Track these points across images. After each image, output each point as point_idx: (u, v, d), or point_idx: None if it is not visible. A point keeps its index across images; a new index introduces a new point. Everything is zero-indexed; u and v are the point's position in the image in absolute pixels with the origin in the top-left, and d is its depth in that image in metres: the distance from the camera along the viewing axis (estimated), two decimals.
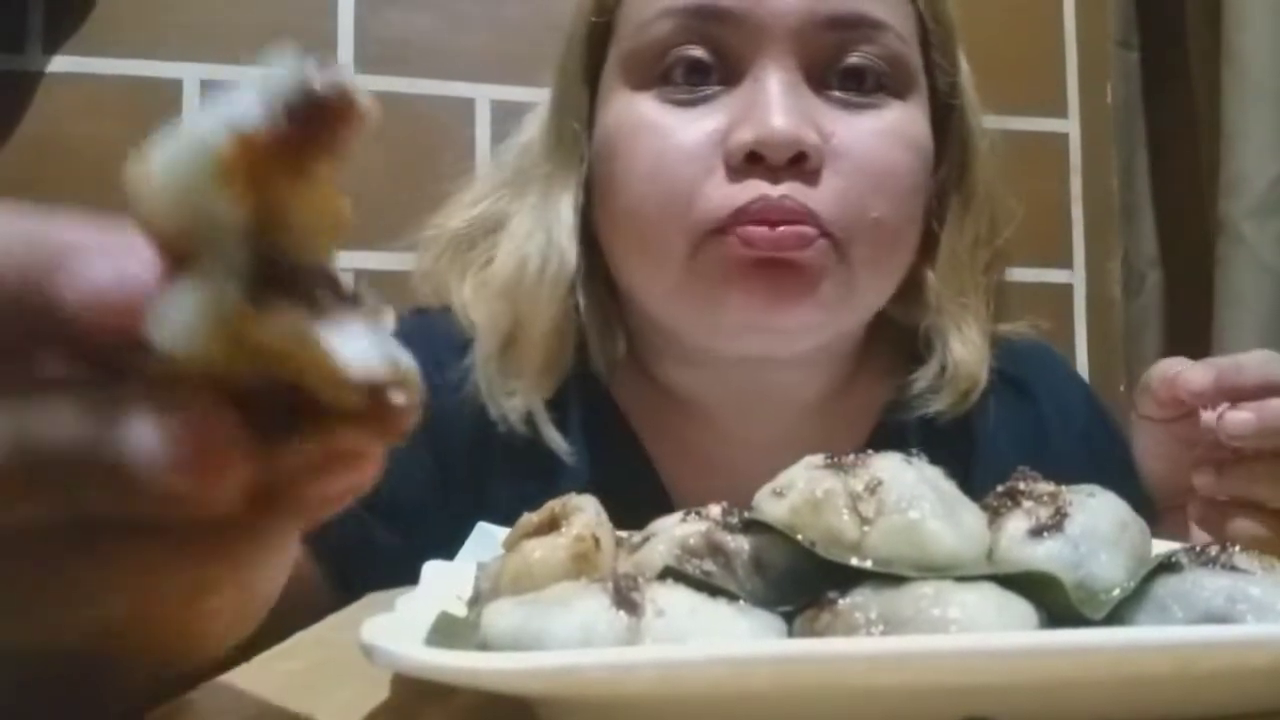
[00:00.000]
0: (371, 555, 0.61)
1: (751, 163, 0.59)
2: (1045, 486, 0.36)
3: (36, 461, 0.22)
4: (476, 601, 0.37)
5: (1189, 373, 0.56)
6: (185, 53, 1.21)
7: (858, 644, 0.28)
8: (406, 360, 0.24)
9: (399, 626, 0.32)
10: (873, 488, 0.33)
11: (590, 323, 0.69)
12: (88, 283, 0.22)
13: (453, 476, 0.69)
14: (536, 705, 0.29)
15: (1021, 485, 0.37)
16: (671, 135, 0.61)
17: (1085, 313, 1.43)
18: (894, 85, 0.63)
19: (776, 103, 0.59)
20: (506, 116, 1.25)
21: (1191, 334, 1.30)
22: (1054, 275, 1.43)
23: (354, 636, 0.30)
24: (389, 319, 0.25)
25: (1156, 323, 1.41)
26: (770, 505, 0.34)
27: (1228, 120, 1.25)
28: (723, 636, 0.29)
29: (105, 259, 0.23)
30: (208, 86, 1.21)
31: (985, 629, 0.29)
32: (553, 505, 0.39)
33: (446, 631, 0.34)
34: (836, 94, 0.62)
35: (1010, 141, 1.41)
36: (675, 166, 0.61)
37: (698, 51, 0.61)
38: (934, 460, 0.36)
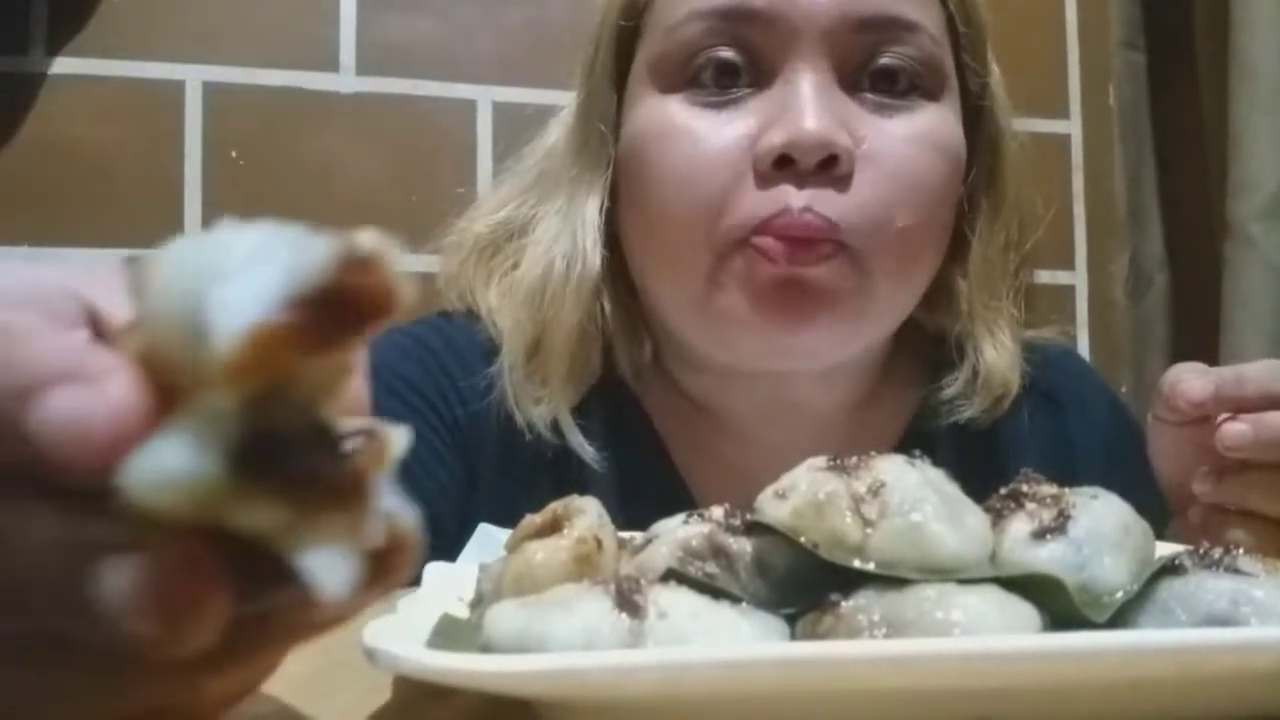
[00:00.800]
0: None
1: (781, 166, 0.58)
2: (1048, 489, 0.36)
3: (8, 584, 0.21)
4: (478, 603, 0.37)
5: (1188, 382, 0.55)
6: (188, 55, 1.21)
7: (860, 647, 0.28)
8: (405, 518, 0.23)
9: (401, 628, 0.32)
10: (875, 490, 0.33)
11: (616, 328, 0.69)
12: (58, 417, 0.20)
13: (483, 485, 0.68)
14: (539, 707, 0.29)
15: (1024, 487, 0.36)
16: (702, 140, 0.60)
17: (1087, 314, 1.43)
18: (927, 86, 0.62)
19: (808, 104, 0.58)
20: (508, 118, 1.25)
21: (1199, 336, 1.30)
22: (1056, 277, 1.42)
23: (356, 639, 0.30)
24: (386, 469, 0.23)
25: (1164, 325, 1.41)
26: (773, 507, 0.34)
27: (1235, 123, 1.25)
28: (725, 639, 0.29)
29: (81, 391, 0.20)
30: (210, 89, 1.21)
31: (988, 632, 0.29)
32: (554, 507, 0.39)
33: (448, 633, 0.34)
34: (869, 96, 0.61)
35: None
36: (705, 172, 0.60)
37: (727, 53, 0.61)
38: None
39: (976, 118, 0.68)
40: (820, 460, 0.35)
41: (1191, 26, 1.36)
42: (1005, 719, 0.28)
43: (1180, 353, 1.38)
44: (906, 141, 0.61)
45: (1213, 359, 1.22)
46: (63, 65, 1.18)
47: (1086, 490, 0.36)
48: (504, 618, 0.29)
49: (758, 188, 0.59)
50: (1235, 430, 0.53)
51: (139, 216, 1.19)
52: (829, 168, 0.58)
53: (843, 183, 0.59)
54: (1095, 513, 0.34)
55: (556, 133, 0.72)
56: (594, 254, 0.66)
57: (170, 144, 1.20)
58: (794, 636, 0.31)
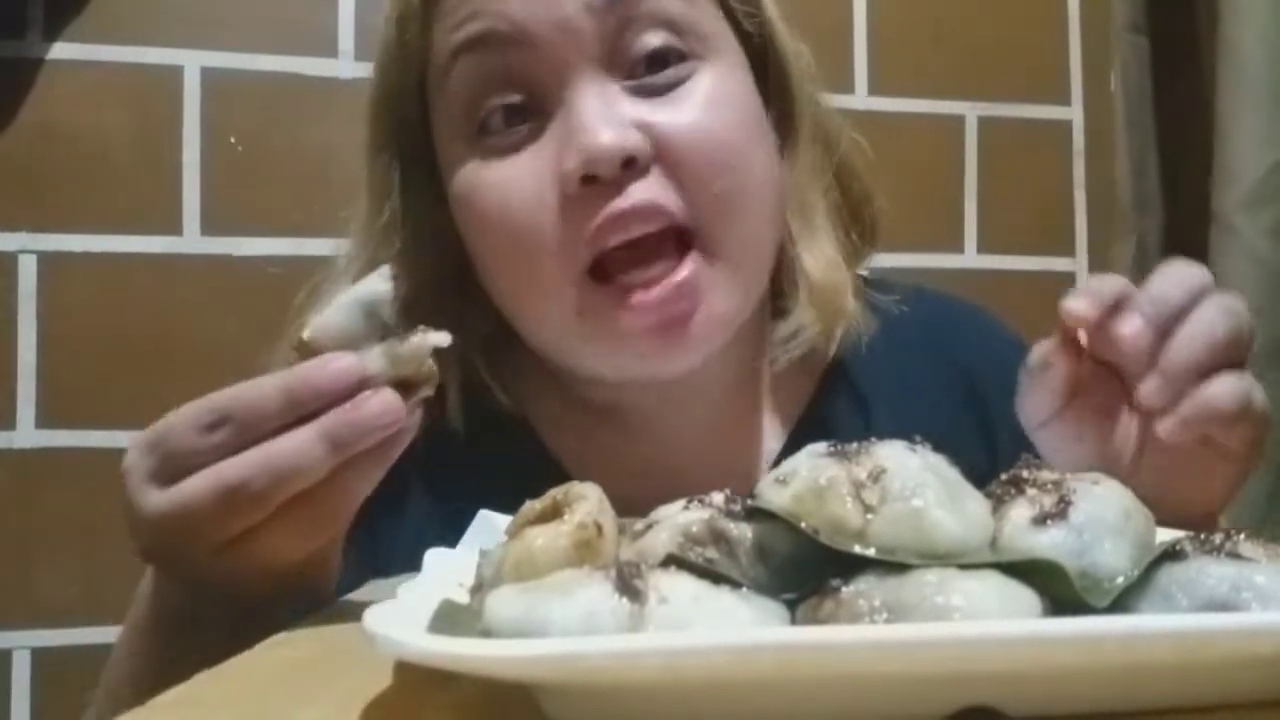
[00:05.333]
0: None
1: (588, 184, 0.59)
2: (1049, 474, 0.36)
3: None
4: (479, 589, 0.37)
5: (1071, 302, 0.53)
6: (186, 40, 1.21)
7: (861, 632, 0.28)
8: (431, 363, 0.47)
9: (402, 614, 0.32)
10: (876, 475, 0.33)
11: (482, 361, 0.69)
12: (331, 382, 0.44)
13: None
14: (539, 692, 0.29)
15: (1025, 473, 0.36)
16: (506, 188, 0.62)
17: None
18: (693, 50, 0.63)
19: (590, 119, 0.59)
20: None
21: None
22: (1056, 263, 1.42)
23: (356, 624, 0.29)
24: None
25: None
26: (773, 493, 0.34)
27: (1221, 112, 1.26)
28: (726, 624, 0.29)
29: (331, 372, 0.44)
30: (208, 74, 1.21)
31: (989, 617, 0.29)
32: (555, 493, 0.39)
33: (449, 619, 0.34)
34: (644, 81, 0.62)
35: (1014, 128, 1.42)
36: (522, 216, 0.61)
37: (507, 97, 0.62)
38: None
39: (762, 55, 0.68)
40: (821, 446, 0.35)
41: (1191, 12, 1.36)
42: (1006, 704, 0.28)
43: None
44: (693, 110, 0.61)
45: None
46: (61, 50, 1.18)
47: (1088, 476, 0.36)
48: (504, 603, 0.29)
49: (576, 211, 0.60)
50: (1152, 387, 0.51)
51: (138, 202, 1.19)
52: (631, 169, 0.59)
53: (647, 173, 0.60)
54: (1096, 499, 0.34)
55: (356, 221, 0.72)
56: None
57: (169, 129, 1.20)
58: (794, 622, 0.31)
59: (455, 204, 0.66)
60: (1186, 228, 1.38)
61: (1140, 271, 1.39)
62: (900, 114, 1.38)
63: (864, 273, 0.80)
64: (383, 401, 0.44)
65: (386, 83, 0.68)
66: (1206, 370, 0.52)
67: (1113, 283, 0.53)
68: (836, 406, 0.73)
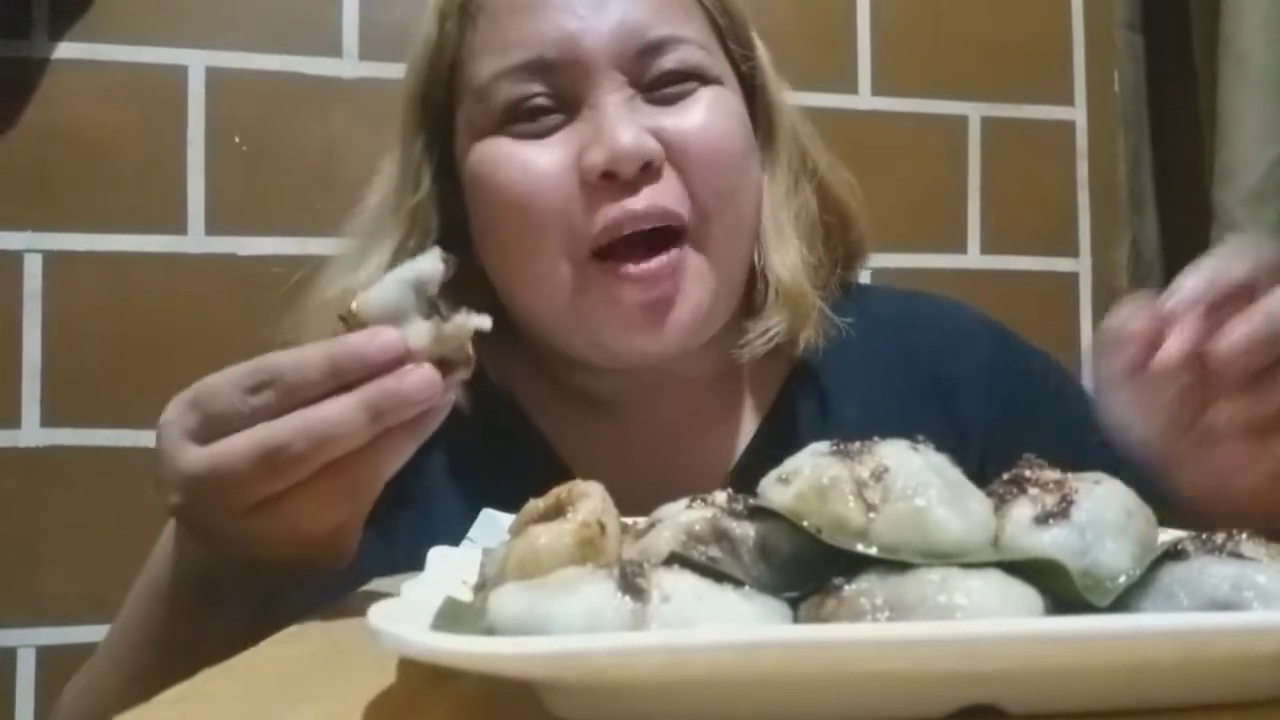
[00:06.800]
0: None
1: (607, 179, 0.65)
2: (1051, 474, 0.36)
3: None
4: (483, 587, 0.37)
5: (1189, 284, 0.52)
6: (190, 39, 1.21)
7: (863, 630, 0.29)
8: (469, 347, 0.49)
9: (405, 611, 0.33)
10: (879, 474, 0.33)
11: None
12: (378, 353, 0.46)
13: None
14: (542, 690, 0.30)
15: (1027, 473, 0.37)
16: (530, 164, 0.67)
17: (1091, 301, 1.43)
18: (702, 77, 0.71)
19: (618, 122, 0.66)
20: None
21: None
22: (1059, 264, 1.42)
23: (360, 622, 0.30)
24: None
25: None
26: (776, 492, 0.34)
27: (1223, 109, 1.25)
28: (728, 622, 0.29)
29: (378, 344, 0.46)
30: (213, 74, 1.21)
31: (991, 615, 0.29)
32: (558, 491, 0.39)
33: (453, 616, 0.34)
34: (659, 93, 0.69)
35: (1017, 129, 1.42)
36: (540, 192, 0.67)
37: (537, 99, 0.68)
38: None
39: (753, 94, 0.76)
40: (823, 445, 0.35)
41: (1187, 9, 1.36)
42: (1007, 702, 0.29)
43: None
44: (700, 115, 0.69)
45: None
46: (65, 50, 1.18)
47: (1089, 475, 0.36)
48: (508, 601, 0.30)
49: (591, 201, 0.66)
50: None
51: (142, 201, 1.19)
52: (647, 172, 0.66)
53: (660, 176, 0.67)
54: (1098, 498, 0.34)
55: (376, 196, 0.77)
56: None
57: (173, 129, 1.20)
58: (797, 620, 0.31)
59: (472, 178, 0.70)
60: (1184, 225, 1.37)
61: (1137, 271, 1.40)
62: (903, 114, 1.38)
63: (865, 276, 0.80)
64: (424, 376, 0.46)
65: (423, 70, 0.74)
66: None
67: (1236, 268, 0.51)
68: (803, 399, 0.77)
